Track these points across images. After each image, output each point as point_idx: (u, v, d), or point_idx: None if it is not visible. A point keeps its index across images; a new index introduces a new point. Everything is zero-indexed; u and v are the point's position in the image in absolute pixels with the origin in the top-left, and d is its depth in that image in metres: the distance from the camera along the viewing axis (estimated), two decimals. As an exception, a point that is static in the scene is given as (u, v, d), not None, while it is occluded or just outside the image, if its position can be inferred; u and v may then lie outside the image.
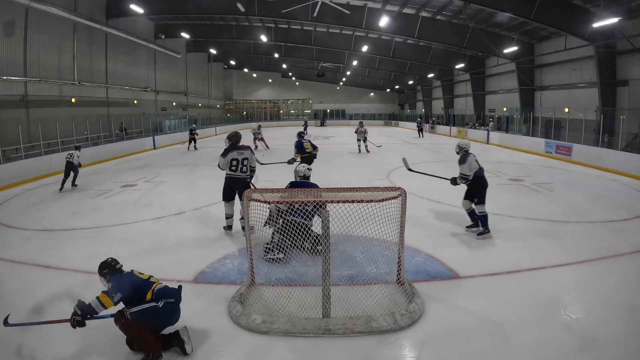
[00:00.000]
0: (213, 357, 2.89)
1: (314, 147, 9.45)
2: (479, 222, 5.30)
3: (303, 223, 3.84)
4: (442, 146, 18.61)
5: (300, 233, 3.81)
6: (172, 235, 5.69)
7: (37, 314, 3.44)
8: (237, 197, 5.40)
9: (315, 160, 8.97)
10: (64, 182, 8.86)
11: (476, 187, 5.25)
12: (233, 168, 5.35)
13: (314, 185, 4.89)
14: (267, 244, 4.37)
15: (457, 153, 5.45)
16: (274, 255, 4.29)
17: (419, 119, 27.21)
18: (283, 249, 4.09)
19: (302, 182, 5.00)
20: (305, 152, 9.20)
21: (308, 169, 5.20)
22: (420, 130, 25.23)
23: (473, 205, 5.33)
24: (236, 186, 5.37)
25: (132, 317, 2.73)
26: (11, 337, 3.09)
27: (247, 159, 5.41)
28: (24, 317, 3.36)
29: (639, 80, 13.00)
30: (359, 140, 15.62)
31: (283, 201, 3.63)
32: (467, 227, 5.57)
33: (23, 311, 3.47)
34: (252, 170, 5.57)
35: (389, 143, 20.60)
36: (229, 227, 5.53)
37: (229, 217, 5.51)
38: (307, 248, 4.11)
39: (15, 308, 3.54)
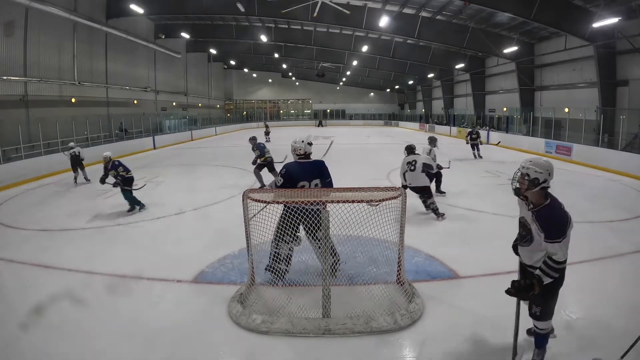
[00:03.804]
0: (213, 357, 2.89)
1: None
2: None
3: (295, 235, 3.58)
4: (443, 146, 18.58)
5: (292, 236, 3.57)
6: (172, 235, 5.69)
7: (37, 314, 3.43)
8: None
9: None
10: None
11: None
12: None
13: (320, 165, 3.96)
14: (268, 266, 3.87)
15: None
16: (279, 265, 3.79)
17: (266, 122, 26.02)
18: (284, 260, 3.76)
19: (302, 164, 3.92)
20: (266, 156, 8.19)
21: (309, 143, 3.97)
22: (267, 133, 22.07)
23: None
24: None
25: None
26: (12, 338, 3.09)
27: None
28: (24, 317, 3.37)
29: (639, 80, 13.00)
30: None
31: (279, 200, 3.39)
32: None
33: (23, 311, 3.47)
34: None
35: (388, 143, 20.61)
36: None
37: None
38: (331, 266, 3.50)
39: (15, 308, 3.54)
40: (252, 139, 8.65)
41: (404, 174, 6.17)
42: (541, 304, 2.60)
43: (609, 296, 3.65)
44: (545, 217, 2.40)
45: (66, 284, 4.02)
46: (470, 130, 14.44)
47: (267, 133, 22.26)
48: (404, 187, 5.96)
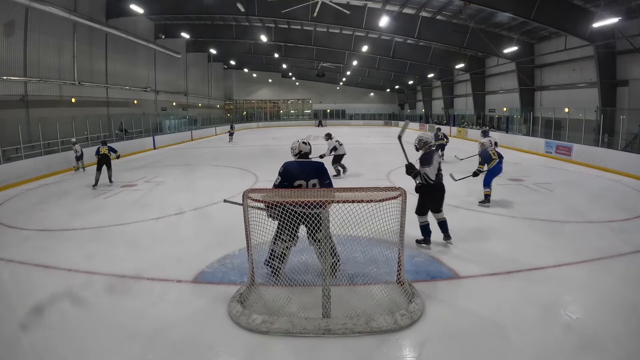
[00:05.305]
0: (213, 357, 2.89)
1: None
2: None
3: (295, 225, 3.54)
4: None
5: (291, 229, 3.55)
6: (172, 235, 5.69)
7: (37, 314, 3.43)
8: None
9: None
10: None
11: None
12: None
13: (319, 166, 4.06)
14: (266, 260, 3.95)
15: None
16: (275, 263, 3.85)
17: (232, 124, 26.26)
18: (281, 257, 3.80)
19: (301, 163, 4.08)
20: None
21: (303, 142, 4.14)
22: (230, 134, 23.47)
23: None
24: None
25: None
26: (12, 338, 3.09)
27: None
28: (24, 317, 3.37)
29: (639, 80, 13.00)
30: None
31: (271, 202, 3.36)
32: None
33: (23, 311, 3.46)
34: None
35: (388, 143, 20.59)
36: None
37: None
38: (332, 267, 3.66)
39: (15, 308, 3.54)
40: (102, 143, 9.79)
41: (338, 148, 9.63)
42: (417, 206, 4.79)
43: (609, 296, 3.65)
44: (421, 157, 4.73)
45: (66, 284, 4.02)
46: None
47: (230, 134, 23.62)
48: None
